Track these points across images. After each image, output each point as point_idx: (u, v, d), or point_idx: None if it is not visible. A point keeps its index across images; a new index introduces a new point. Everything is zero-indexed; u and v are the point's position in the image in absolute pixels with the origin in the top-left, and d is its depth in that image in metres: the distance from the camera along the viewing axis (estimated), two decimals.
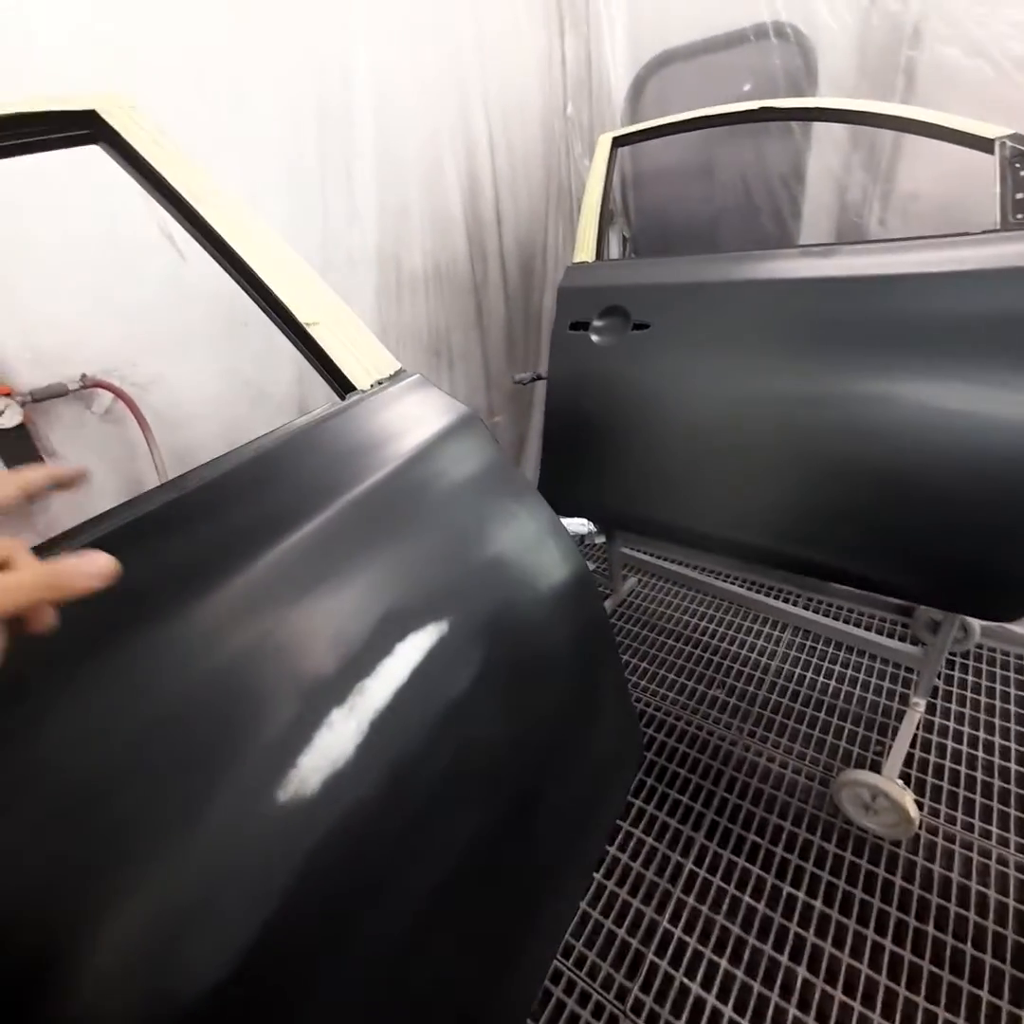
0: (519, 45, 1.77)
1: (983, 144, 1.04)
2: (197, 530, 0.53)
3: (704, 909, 1.31)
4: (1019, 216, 0.98)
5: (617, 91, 1.87)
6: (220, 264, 0.71)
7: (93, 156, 0.74)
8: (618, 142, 1.65)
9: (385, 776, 0.52)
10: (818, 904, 1.29)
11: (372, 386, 0.74)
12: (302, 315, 0.70)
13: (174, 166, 0.70)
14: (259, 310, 0.72)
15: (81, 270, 1.14)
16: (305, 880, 0.45)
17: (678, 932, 1.28)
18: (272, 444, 0.62)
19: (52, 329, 1.14)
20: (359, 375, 0.73)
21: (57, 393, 1.13)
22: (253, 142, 1.28)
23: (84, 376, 1.14)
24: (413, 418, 0.73)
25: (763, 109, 1.35)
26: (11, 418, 1.10)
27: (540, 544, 0.73)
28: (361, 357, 0.74)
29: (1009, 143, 0.99)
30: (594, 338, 1.47)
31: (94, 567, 0.34)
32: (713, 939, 1.25)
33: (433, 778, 0.57)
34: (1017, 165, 0.98)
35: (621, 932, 1.29)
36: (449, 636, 0.61)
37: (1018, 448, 0.96)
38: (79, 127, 0.70)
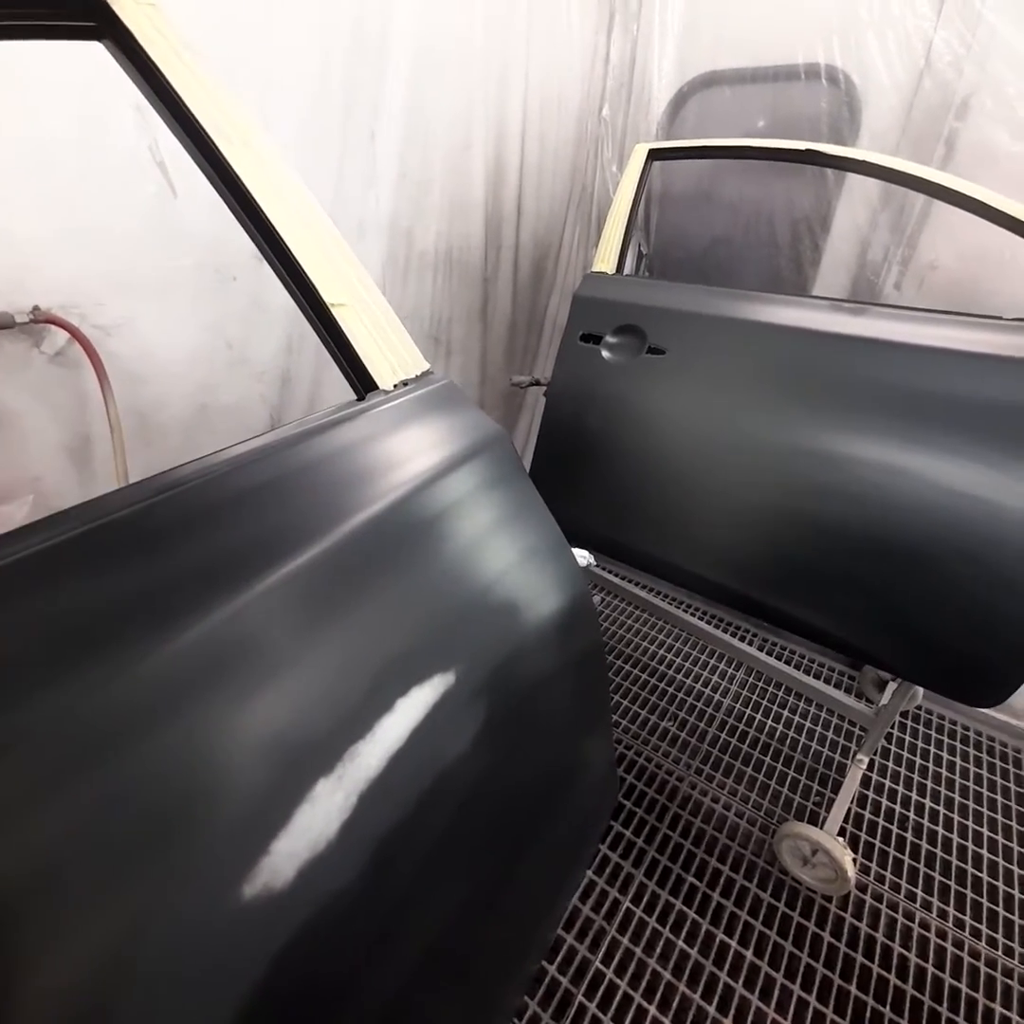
0: (568, 35, 1.67)
1: None
2: (166, 551, 0.43)
3: (638, 951, 1.29)
4: None
5: (657, 102, 1.81)
6: (237, 217, 0.60)
7: (87, 49, 0.61)
8: (654, 155, 1.59)
9: (376, 846, 0.45)
10: (749, 954, 1.29)
11: (396, 386, 0.65)
12: (328, 294, 0.60)
13: (199, 90, 0.59)
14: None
15: (48, 181, 0.97)
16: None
17: (610, 973, 1.25)
18: (274, 447, 0.53)
19: (4, 246, 0.97)
20: (384, 372, 0.64)
21: (1, 324, 0.97)
22: (272, 72, 1.13)
23: (36, 308, 0.98)
24: (436, 431, 0.65)
25: (810, 151, 1.32)
26: None
27: (556, 596, 0.67)
28: (387, 351, 0.65)
29: None
30: (605, 354, 1.42)
31: None
32: (644, 983, 1.24)
33: (424, 850, 0.50)
34: None
35: (552, 969, 1.25)
36: (451, 692, 0.54)
37: (1012, 536, 0.96)
38: (82, 17, 0.57)
